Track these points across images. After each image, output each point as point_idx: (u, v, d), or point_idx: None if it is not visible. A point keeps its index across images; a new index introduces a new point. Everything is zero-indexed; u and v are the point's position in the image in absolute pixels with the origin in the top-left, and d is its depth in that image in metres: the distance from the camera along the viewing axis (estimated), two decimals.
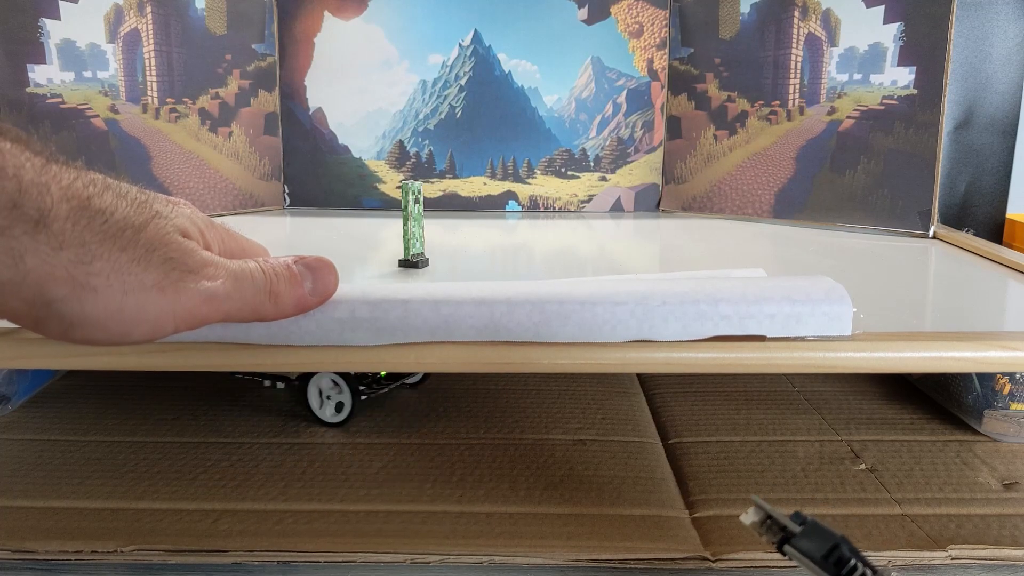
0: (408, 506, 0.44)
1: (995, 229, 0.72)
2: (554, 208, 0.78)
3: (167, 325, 0.30)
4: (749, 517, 0.32)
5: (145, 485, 0.46)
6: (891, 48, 0.65)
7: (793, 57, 0.70)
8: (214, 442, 0.51)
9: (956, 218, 0.73)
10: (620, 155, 0.77)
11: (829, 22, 0.68)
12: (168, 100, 0.70)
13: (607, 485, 0.46)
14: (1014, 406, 0.51)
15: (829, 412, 0.56)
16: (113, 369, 0.35)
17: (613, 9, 0.75)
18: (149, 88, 0.69)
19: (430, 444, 0.51)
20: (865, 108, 0.67)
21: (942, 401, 0.56)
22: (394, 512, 0.43)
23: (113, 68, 0.67)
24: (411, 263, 0.51)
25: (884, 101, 0.66)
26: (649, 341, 0.35)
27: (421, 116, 0.77)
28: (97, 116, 0.66)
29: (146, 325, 0.30)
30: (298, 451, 0.50)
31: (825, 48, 0.68)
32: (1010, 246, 0.67)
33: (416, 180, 0.57)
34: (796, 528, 0.30)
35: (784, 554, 0.31)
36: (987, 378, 0.52)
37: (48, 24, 0.63)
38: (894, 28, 0.65)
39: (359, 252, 0.59)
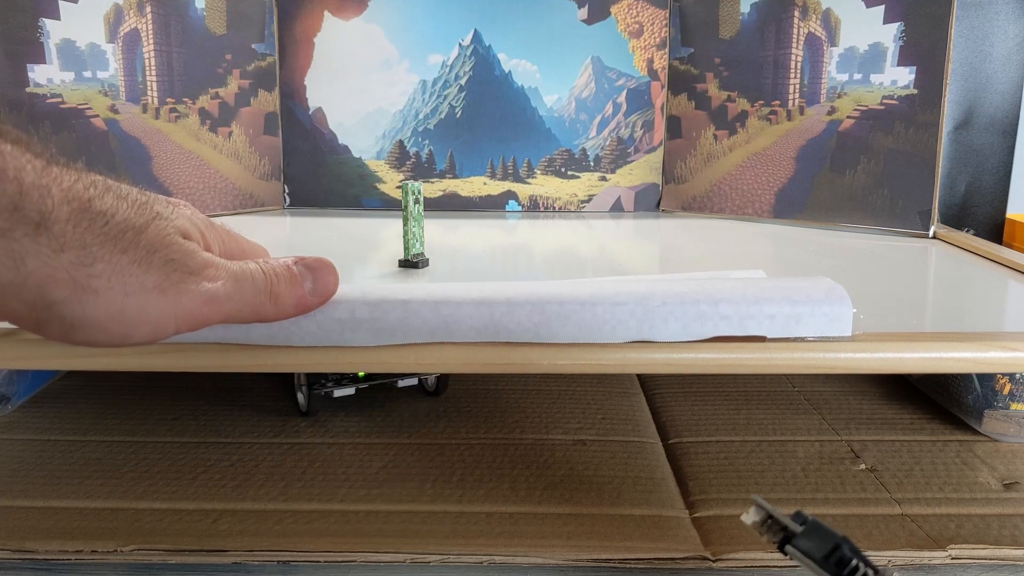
0: (408, 506, 0.44)
1: (995, 229, 0.72)
2: (554, 208, 0.78)
3: (168, 326, 0.30)
4: (750, 517, 0.32)
5: (145, 485, 0.46)
6: (891, 48, 0.65)
7: (793, 57, 0.70)
8: (214, 442, 0.51)
9: (956, 218, 0.73)
10: (620, 155, 0.77)
11: (829, 22, 0.68)
12: (168, 100, 0.70)
13: (607, 485, 0.46)
14: (1014, 406, 0.51)
15: (829, 412, 0.56)
16: (113, 370, 0.35)
17: (613, 9, 0.75)
18: (149, 88, 0.69)
19: (430, 444, 0.51)
20: (865, 108, 0.67)
21: (942, 401, 0.56)
22: (394, 512, 0.43)
23: (113, 68, 0.67)
24: (411, 263, 0.51)
25: (884, 101, 0.66)
26: (649, 342, 0.35)
27: (421, 116, 0.77)
28: (97, 116, 0.66)
29: (147, 327, 0.30)
30: (298, 451, 0.50)
31: (825, 48, 0.68)
32: (1010, 246, 0.67)
33: (416, 180, 0.57)
34: (797, 528, 0.31)
35: (785, 554, 0.31)
36: (987, 378, 0.52)
37: (48, 24, 0.63)
38: (894, 28, 0.65)
39: (359, 252, 0.59)
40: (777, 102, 0.71)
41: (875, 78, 0.67)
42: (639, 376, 0.63)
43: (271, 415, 0.55)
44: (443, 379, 0.58)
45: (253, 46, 0.74)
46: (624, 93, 0.76)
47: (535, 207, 0.78)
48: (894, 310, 0.43)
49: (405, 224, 0.51)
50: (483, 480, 0.47)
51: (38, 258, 0.27)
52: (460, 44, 0.76)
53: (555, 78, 0.76)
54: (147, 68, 0.68)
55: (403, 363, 0.35)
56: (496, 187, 0.78)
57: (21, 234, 0.27)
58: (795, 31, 0.69)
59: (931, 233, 0.65)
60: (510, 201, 0.78)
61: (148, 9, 0.68)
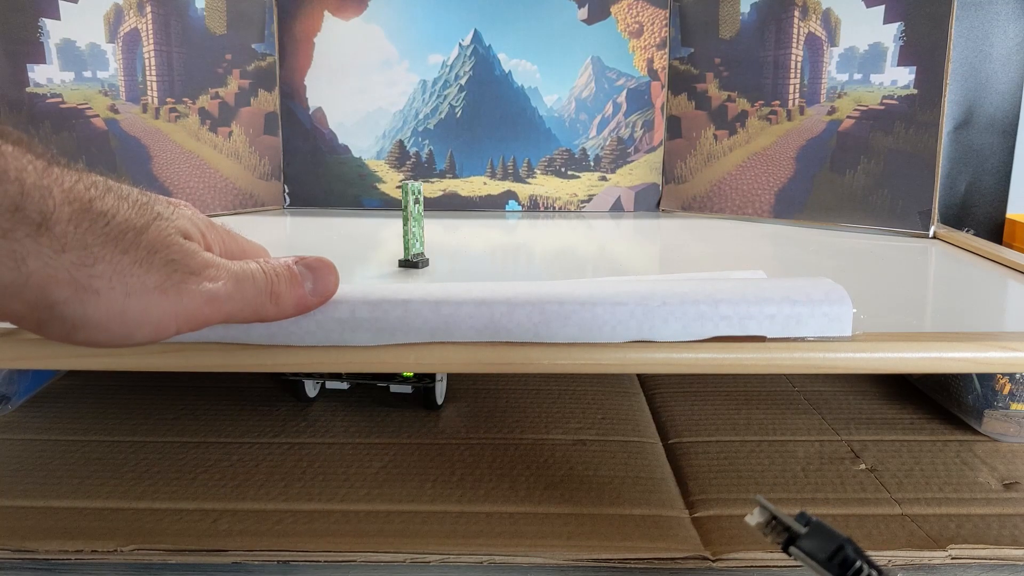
0: (408, 506, 0.44)
1: (995, 229, 0.73)
2: (554, 208, 0.78)
3: (169, 326, 0.30)
4: (755, 518, 0.32)
5: (145, 485, 0.46)
6: (891, 48, 0.66)
7: (793, 57, 0.70)
8: (214, 442, 0.51)
9: (956, 218, 0.73)
10: (620, 155, 0.77)
11: (829, 22, 0.68)
12: (168, 100, 0.70)
13: (607, 485, 0.46)
14: (1014, 406, 0.51)
15: (829, 412, 0.57)
16: (113, 369, 0.35)
17: (613, 9, 0.75)
18: (149, 88, 0.69)
19: (430, 444, 0.51)
20: (865, 108, 0.67)
21: (942, 401, 0.56)
22: (394, 512, 0.43)
23: (113, 68, 0.67)
24: (411, 263, 0.51)
25: (884, 101, 0.66)
26: (649, 341, 0.35)
27: (421, 116, 0.77)
28: (97, 116, 0.66)
29: (148, 327, 0.30)
30: (298, 451, 0.50)
31: (825, 48, 0.68)
32: (1010, 246, 0.67)
33: (416, 180, 0.57)
34: (801, 529, 0.31)
35: (790, 555, 0.31)
36: (987, 378, 0.52)
37: (48, 24, 0.63)
38: (894, 28, 0.65)
39: (359, 252, 0.59)
40: (777, 102, 0.71)
41: (875, 78, 0.67)
42: (639, 376, 0.63)
43: (271, 415, 0.55)
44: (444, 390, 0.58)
45: (253, 46, 0.74)
46: (624, 93, 0.76)
47: (535, 207, 0.78)
48: (894, 310, 0.43)
49: (405, 224, 0.51)
50: (483, 480, 0.47)
51: (39, 259, 0.27)
52: (460, 44, 0.76)
53: (555, 78, 0.76)
54: (147, 68, 0.68)
55: (403, 363, 0.35)
56: (496, 187, 0.78)
57: (22, 235, 0.27)
58: (795, 31, 0.69)
59: (931, 233, 0.65)
60: (510, 201, 0.78)
61: (148, 9, 0.68)
